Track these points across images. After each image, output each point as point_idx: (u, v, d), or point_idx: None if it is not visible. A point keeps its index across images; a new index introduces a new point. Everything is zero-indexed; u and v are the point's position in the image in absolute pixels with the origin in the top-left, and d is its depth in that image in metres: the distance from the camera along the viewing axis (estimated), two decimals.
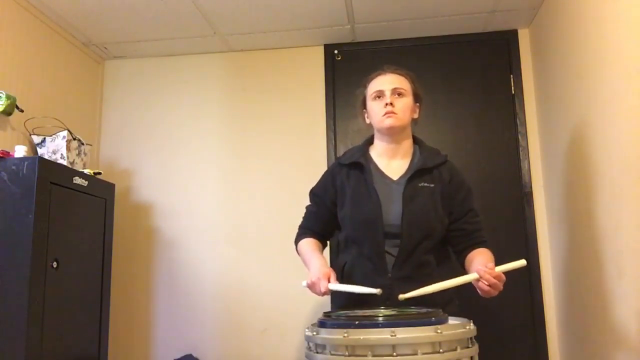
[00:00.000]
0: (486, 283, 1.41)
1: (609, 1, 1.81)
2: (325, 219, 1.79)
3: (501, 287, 1.43)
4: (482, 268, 1.43)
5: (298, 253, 1.79)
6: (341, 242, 1.80)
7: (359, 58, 2.93)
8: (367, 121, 1.79)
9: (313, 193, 1.85)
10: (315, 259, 1.63)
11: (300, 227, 1.85)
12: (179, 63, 3.06)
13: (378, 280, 1.58)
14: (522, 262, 1.42)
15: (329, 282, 1.51)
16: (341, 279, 1.69)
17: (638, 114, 1.61)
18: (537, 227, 2.65)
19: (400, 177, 1.69)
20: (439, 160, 1.72)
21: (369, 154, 1.77)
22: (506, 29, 2.83)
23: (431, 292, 1.42)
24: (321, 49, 2.96)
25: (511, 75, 2.80)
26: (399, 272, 1.59)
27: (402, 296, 1.44)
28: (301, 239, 1.79)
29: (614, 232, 1.82)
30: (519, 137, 2.75)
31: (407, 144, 1.75)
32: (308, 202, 1.87)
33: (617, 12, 1.75)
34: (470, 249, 1.66)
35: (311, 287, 1.55)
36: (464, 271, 1.63)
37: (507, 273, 1.44)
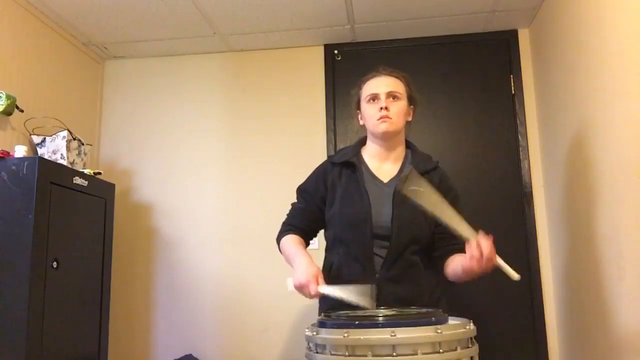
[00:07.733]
0: (477, 252, 1.35)
1: (609, 1, 1.81)
2: (312, 216, 1.75)
3: (486, 265, 1.37)
4: (485, 238, 1.37)
5: (280, 250, 1.74)
6: (328, 241, 1.76)
7: (359, 58, 2.93)
8: (361, 122, 1.77)
9: (302, 190, 1.80)
10: (300, 257, 1.57)
11: (284, 224, 1.78)
12: (179, 63, 3.06)
13: (366, 281, 1.56)
14: (516, 276, 1.35)
15: (318, 284, 1.46)
16: (328, 280, 1.67)
17: (638, 114, 1.61)
18: (537, 227, 2.65)
19: (391, 180, 1.68)
20: (430, 165, 1.71)
21: (361, 155, 1.75)
22: (506, 29, 2.83)
23: (430, 192, 1.50)
24: (321, 49, 2.96)
25: (511, 75, 2.80)
26: (387, 273, 1.58)
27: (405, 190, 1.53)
28: (285, 235, 1.73)
29: (614, 232, 1.82)
30: (519, 137, 2.75)
31: (400, 148, 1.74)
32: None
33: (617, 12, 1.75)
34: (455, 252, 1.60)
35: (299, 289, 1.49)
36: (451, 271, 1.59)
37: (504, 273, 1.42)
